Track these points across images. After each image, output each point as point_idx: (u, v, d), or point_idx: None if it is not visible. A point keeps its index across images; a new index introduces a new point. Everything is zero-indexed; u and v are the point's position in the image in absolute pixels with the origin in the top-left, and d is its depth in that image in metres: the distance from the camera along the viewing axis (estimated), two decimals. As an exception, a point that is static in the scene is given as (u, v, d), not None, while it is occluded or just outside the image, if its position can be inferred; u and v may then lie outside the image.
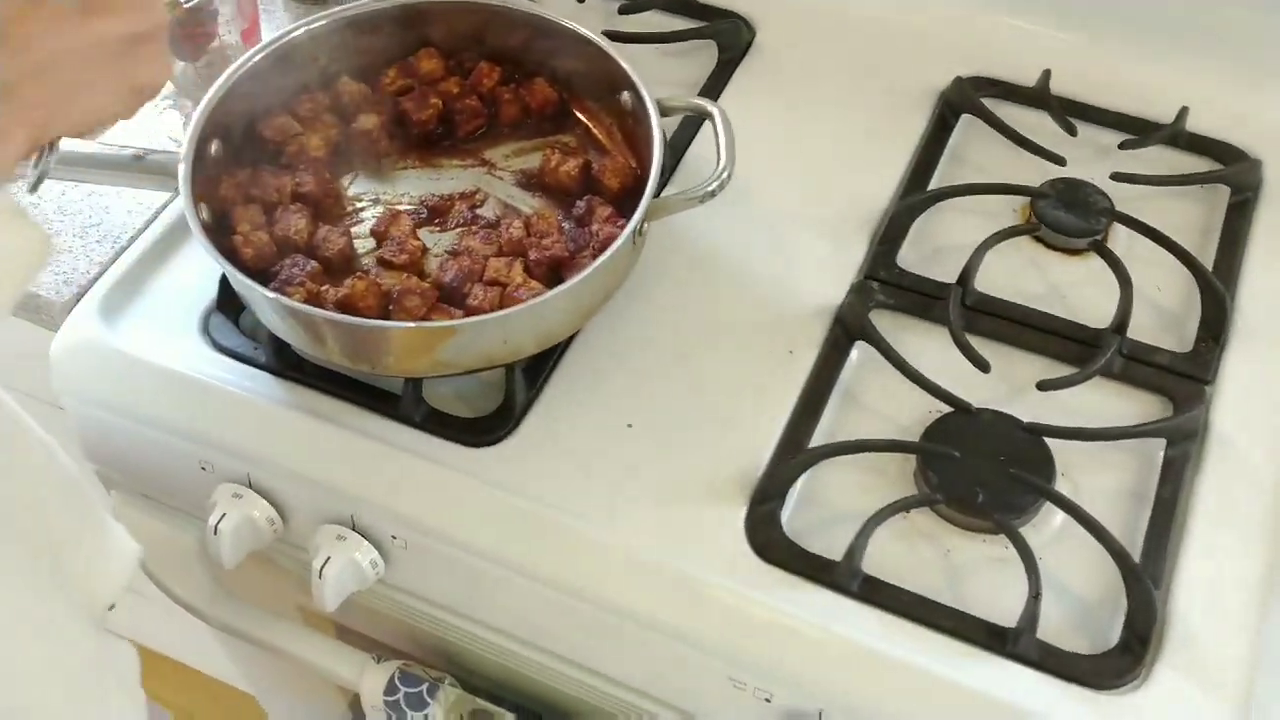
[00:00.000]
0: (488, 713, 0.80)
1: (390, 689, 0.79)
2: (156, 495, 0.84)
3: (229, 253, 0.75)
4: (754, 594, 0.68)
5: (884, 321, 0.80)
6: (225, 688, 1.40)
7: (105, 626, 0.65)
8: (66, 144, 0.76)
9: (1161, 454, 0.75)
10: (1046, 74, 0.93)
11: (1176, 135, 0.91)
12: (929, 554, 0.71)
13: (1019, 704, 0.65)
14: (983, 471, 0.72)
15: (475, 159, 0.85)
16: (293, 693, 1.13)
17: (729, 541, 0.70)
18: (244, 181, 0.79)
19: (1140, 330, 0.80)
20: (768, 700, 0.69)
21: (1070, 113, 0.91)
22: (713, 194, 0.75)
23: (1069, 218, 0.85)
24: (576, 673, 0.76)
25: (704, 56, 0.98)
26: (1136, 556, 0.70)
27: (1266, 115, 0.91)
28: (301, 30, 0.82)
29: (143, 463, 0.81)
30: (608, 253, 0.72)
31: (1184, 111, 0.91)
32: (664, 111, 0.79)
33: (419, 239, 0.79)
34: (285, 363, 0.78)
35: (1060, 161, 0.87)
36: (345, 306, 0.73)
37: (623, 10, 0.99)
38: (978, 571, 0.71)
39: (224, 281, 0.81)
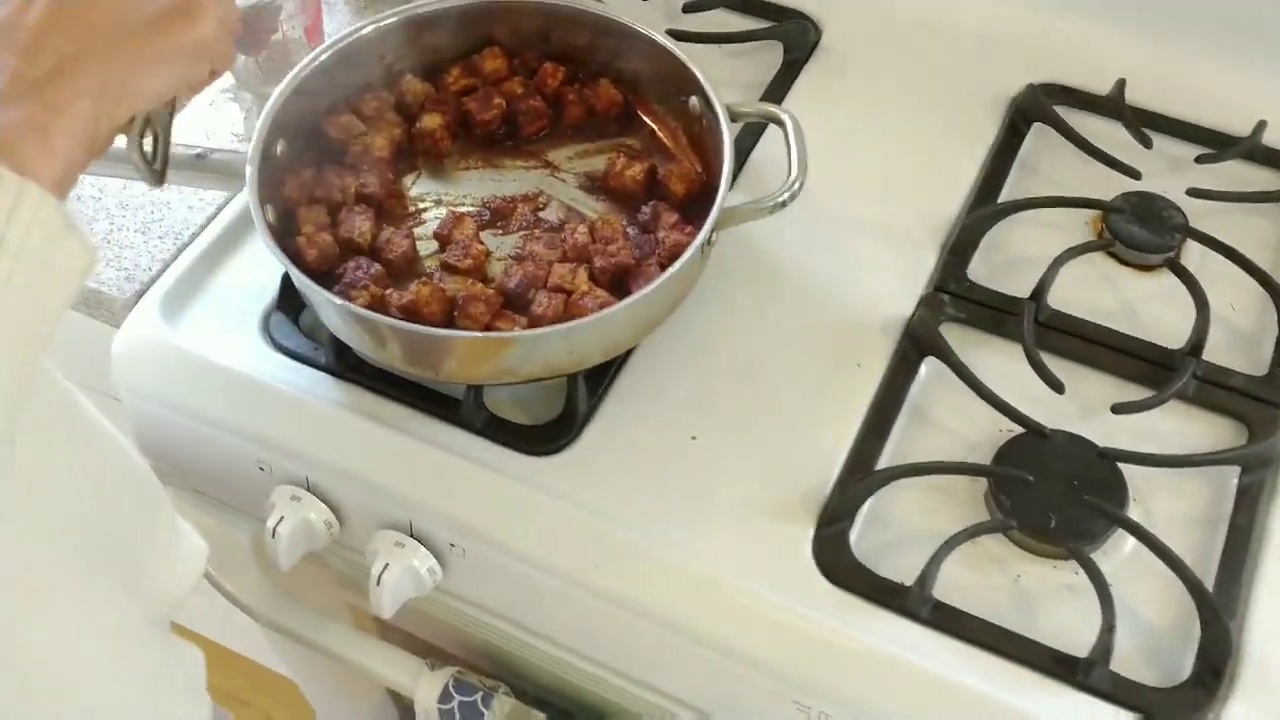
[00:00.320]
0: (541, 723, 0.80)
1: (445, 697, 0.78)
2: (211, 492, 0.84)
3: (293, 254, 0.74)
4: (822, 618, 0.67)
5: (954, 335, 0.78)
6: (267, 672, 1.40)
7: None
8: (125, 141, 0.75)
9: (1236, 480, 0.74)
10: (1121, 83, 0.91)
11: (1254, 149, 0.88)
12: (998, 579, 0.70)
13: (1090, 737, 0.64)
14: (1056, 496, 0.70)
15: (538, 160, 0.84)
16: (336, 684, 1.13)
17: (796, 563, 0.69)
18: (308, 181, 0.78)
19: (1214, 351, 0.78)
20: (831, 724, 0.68)
21: (1145, 123, 0.89)
22: (783, 204, 0.74)
23: (1143, 233, 0.83)
24: (632, 686, 0.76)
25: (769, 56, 0.97)
26: (1209, 586, 0.69)
27: (1347, 130, 0.89)
28: (370, 28, 0.81)
29: (200, 460, 0.81)
30: (678, 264, 0.71)
31: (1261, 125, 0.89)
32: (733, 117, 0.78)
33: (483, 243, 0.78)
34: (346, 364, 0.77)
35: (1135, 175, 0.85)
36: (409, 312, 0.72)
37: (687, 8, 0.97)
38: (1048, 598, 0.70)
39: (285, 280, 0.80)
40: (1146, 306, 0.82)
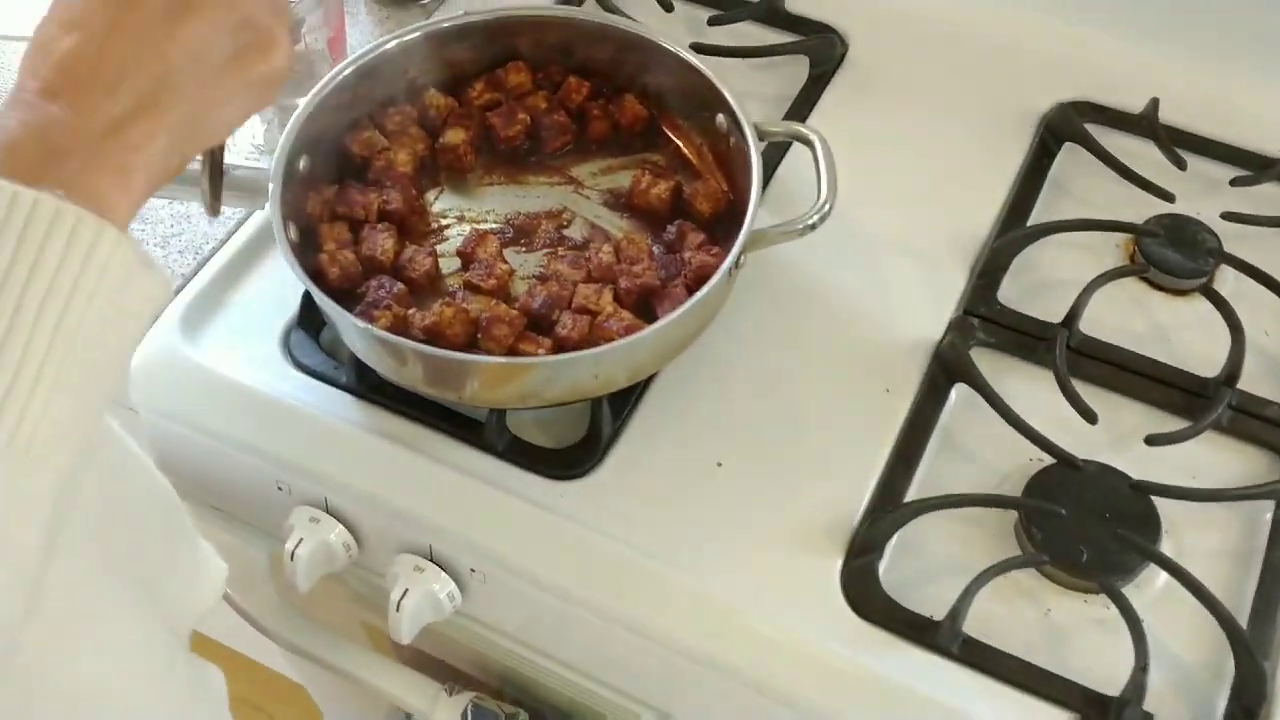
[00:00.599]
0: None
1: (462, 722, 0.77)
2: (229, 510, 0.83)
3: (314, 272, 0.73)
4: (850, 653, 0.66)
5: (984, 361, 0.77)
6: (273, 674, 1.39)
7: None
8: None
9: (1270, 515, 0.72)
10: (1155, 102, 0.89)
11: (1290, 172, 0.87)
12: (1029, 613, 0.69)
13: (1123, 779, 0.63)
14: (1087, 530, 0.69)
15: (562, 176, 0.83)
16: (345, 692, 1.12)
17: (823, 595, 0.68)
18: (330, 198, 0.77)
19: (1249, 379, 0.77)
20: (857, 759, 0.67)
21: (1178, 143, 0.88)
22: (813, 227, 0.73)
23: (1176, 258, 0.81)
24: (654, 716, 0.75)
25: (794, 70, 0.95)
26: (1243, 623, 0.67)
27: (1385, 153, 0.88)
28: (393, 42, 0.79)
29: (218, 479, 0.80)
30: (706, 288, 0.69)
31: (1299, 147, 0.87)
32: (761, 136, 0.77)
33: (506, 262, 0.76)
34: (367, 384, 0.76)
35: (1169, 198, 0.84)
36: (432, 333, 0.71)
37: (713, 21, 0.96)
38: (1079, 633, 0.68)
39: (306, 297, 0.79)
40: (1180, 332, 0.80)
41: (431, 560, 0.74)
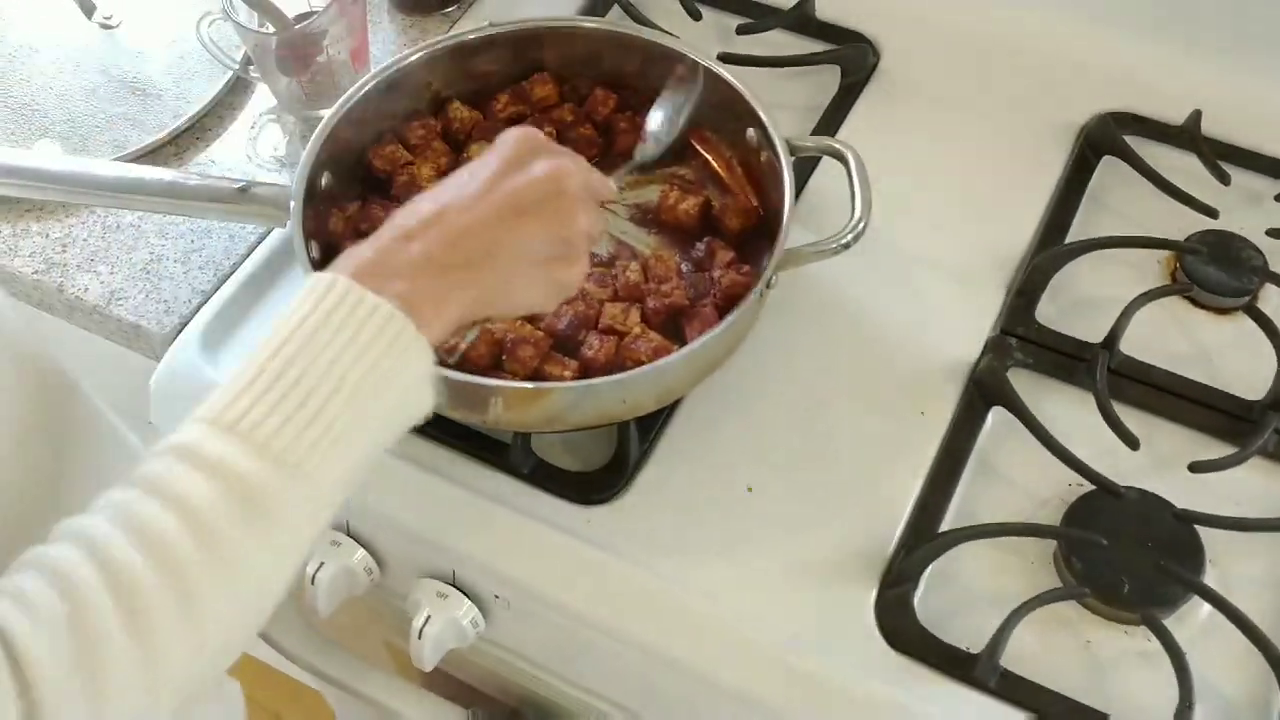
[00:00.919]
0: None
1: (486, 748, 0.76)
2: (249, 529, 0.82)
3: (336, 291, 0.71)
4: (886, 688, 0.64)
5: (1021, 382, 0.75)
6: (281, 676, 1.38)
7: None
8: (166, 174, 0.73)
9: (1318, 543, 0.70)
10: (1197, 114, 0.87)
11: (1337, 186, 0.84)
12: (1068, 644, 0.67)
13: (1167, 821, 0.61)
14: (1129, 560, 0.67)
15: (588, 191, 0.81)
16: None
17: (857, 627, 0.66)
18: (354, 216, 0.76)
19: (1293, 401, 0.74)
20: (891, 796, 0.65)
21: (1221, 156, 0.85)
22: (847, 246, 0.71)
23: (1220, 275, 0.79)
24: (682, 745, 0.73)
25: (825, 79, 0.93)
26: (1290, 656, 0.65)
27: None
28: (417, 55, 0.78)
29: (238, 499, 0.78)
30: (738, 310, 0.68)
31: (1347, 160, 0.85)
32: (793, 151, 0.75)
33: (531, 280, 0.75)
34: (388, 405, 0.74)
35: (1212, 214, 0.81)
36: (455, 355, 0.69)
37: (741, 30, 0.94)
38: (1119, 666, 0.66)
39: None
40: (1223, 353, 0.78)
41: (454, 586, 0.72)
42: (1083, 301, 0.80)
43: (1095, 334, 0.77)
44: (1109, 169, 0.87)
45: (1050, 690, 0.64)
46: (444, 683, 0.83)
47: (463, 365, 0.69)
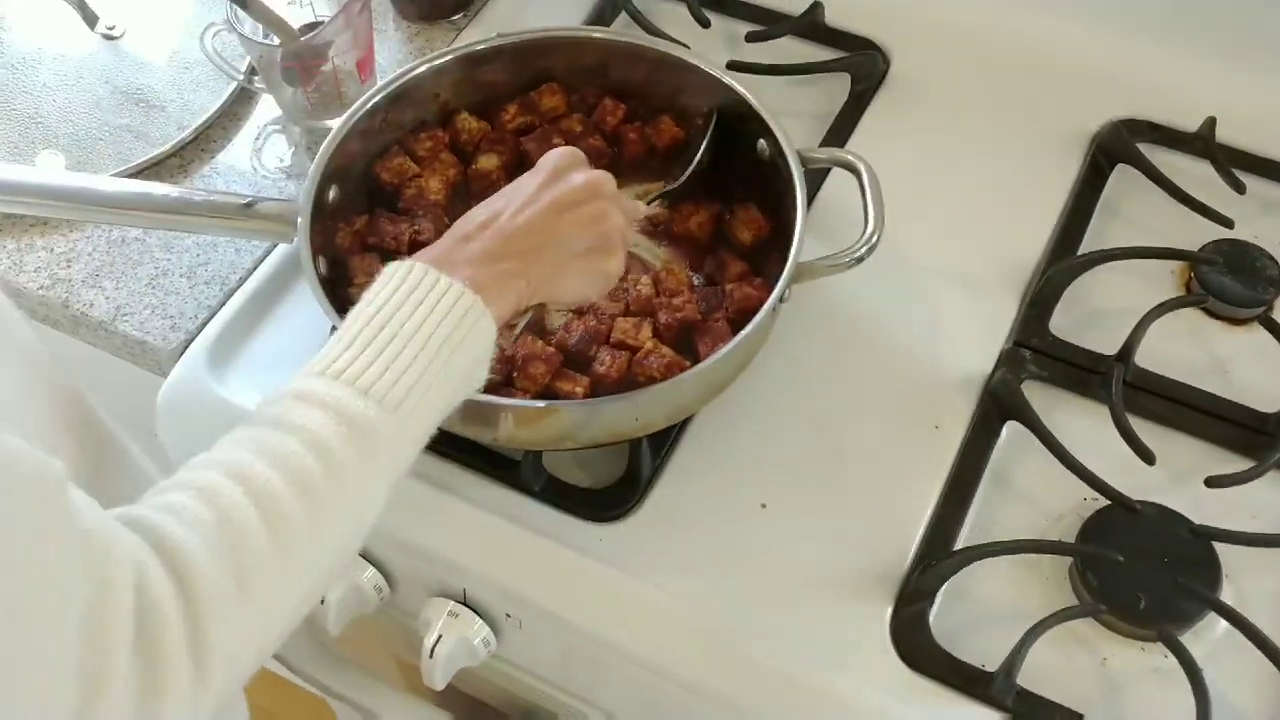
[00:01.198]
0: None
1: (498, 766, 0.75)
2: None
3: (344, 306, 0.70)
4: (901, 706, 0.63)
5: (1035, 395, 0.74)
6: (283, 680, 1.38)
7: None
8: (172, 190, 0.73)
9: (1335, 557, 0.70)
10: (1211, 121, 0.86)
11: (1353, 194, 0.84)
12: (1084, 661, 0.66)
13: (1187, 842, 0.60)
14: (1145, 576, 0.67)
15: (598, 202, 0.80)
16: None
17: (873, 646, 0.65)
18: (361, 229, 0.75)
19: (1313, 414, 0.74)
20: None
21: (1236, 164, 0.84)
22: (860, 259, 0.70)
23: (1235, 286, 0.78)
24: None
25: (835, 86, 0.92)
26: (1309, 674, 0.65)
27: None
28: (424, 66, 0.77)
29: (246, 516, 0.78)
30: (750, 325, 0.67)
31: (1363, 169, 0.84)
32: (804, 162, 0.74)
33: (541, 296, 0.74)
34: (397, 421, 0.73)
35: (1228, 224, 0.81)
36: (466, 371, 0.69)
37: (751, 37, 0.93)
38: (1136, 683, 0.66)
39: (335, 330, 0.77)
40: (1239, 364, 0.77)
41: (465, 604, 0.72)
42: (1096, 312, 0.80)
43: (1110, 346, 0.76)
44: (1122, 177, 0.86)
45: (1067, 708, 0.64)
46: (452, 697, 0.83)
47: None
